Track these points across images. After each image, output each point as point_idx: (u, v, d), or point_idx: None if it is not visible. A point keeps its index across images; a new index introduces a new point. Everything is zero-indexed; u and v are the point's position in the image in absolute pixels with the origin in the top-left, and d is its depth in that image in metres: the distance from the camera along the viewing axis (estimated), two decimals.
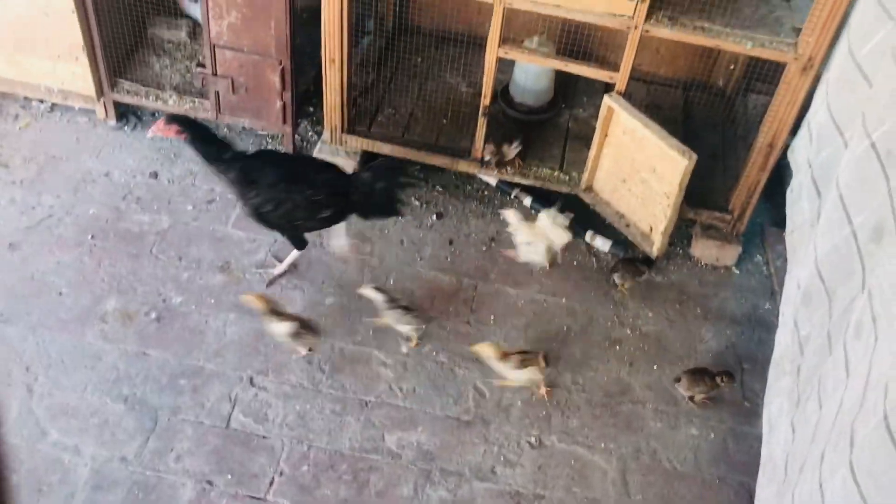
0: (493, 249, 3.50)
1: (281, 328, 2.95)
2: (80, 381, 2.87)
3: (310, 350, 3.05)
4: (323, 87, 3.44)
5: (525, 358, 2.94)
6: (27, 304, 3.07)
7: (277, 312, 2.98)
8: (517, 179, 3.56)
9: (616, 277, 3.36)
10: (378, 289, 3.10)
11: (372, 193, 3.13)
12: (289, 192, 3.01)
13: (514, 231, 3.37)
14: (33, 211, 3.41)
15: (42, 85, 3.69)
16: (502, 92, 3.74)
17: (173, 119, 2.94)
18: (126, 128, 3.81)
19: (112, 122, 3.79)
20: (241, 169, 3.00)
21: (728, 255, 3.51)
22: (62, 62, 3.59)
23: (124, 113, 3.81)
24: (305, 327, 2.97)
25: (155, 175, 3.61)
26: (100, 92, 3.67)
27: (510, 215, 3.36)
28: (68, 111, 3.82)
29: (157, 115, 3.80)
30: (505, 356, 2.92)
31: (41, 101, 3.81)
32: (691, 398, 3.05)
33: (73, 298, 3.12)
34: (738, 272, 3.54)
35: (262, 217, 3.07)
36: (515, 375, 2.95)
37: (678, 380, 3.04)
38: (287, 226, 3.15)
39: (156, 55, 3.82)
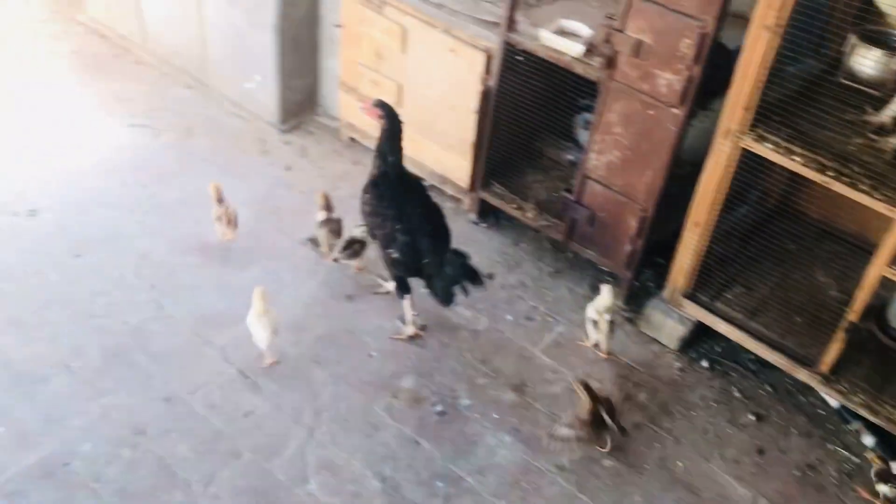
0: (807, 477, 3.04)
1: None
2: (354, 444, 2.99)
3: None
4: (679, 245, 3.30)
5: None
6: (340, 353, 3.30)
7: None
8: (864, 413, 3.07)
9: None
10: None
11: (440, 271, 3.17)
12: (384, 209, 3.23)
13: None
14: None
15: (428, 166, 4.03)
16: (878, 311, 3.28)
17: (381, 104, 3.21)
18: (483, 225, 4.00)
19: (472, 215, 4.01)
20: (383, 171, 3.24)
21: None
22: (450, 152, 3.90)
23: (486, 211, 4.00)
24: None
25: (491, 276, 3.71)
26: (472, 187, 3.91)
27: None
28: (440, 195, 4.12)
29: (513, 221, 3.94)
30: None
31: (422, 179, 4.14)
32: None
33: (380, 364, 3.28)
34: None
35: (362, 213, 3.37)
36: None
37: None
38: (371, 236, 3.40)
39: (532, 168, 3.99)
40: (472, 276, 3.15)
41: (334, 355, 3.29)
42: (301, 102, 4.46)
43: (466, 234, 3.94)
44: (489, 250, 3.87)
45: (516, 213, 3.80)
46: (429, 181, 4.09)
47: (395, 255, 3.26)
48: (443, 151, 3.93)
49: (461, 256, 3.16)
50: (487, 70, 3.55)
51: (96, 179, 3.98)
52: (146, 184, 3.99)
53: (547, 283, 3.73)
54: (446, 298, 3.22)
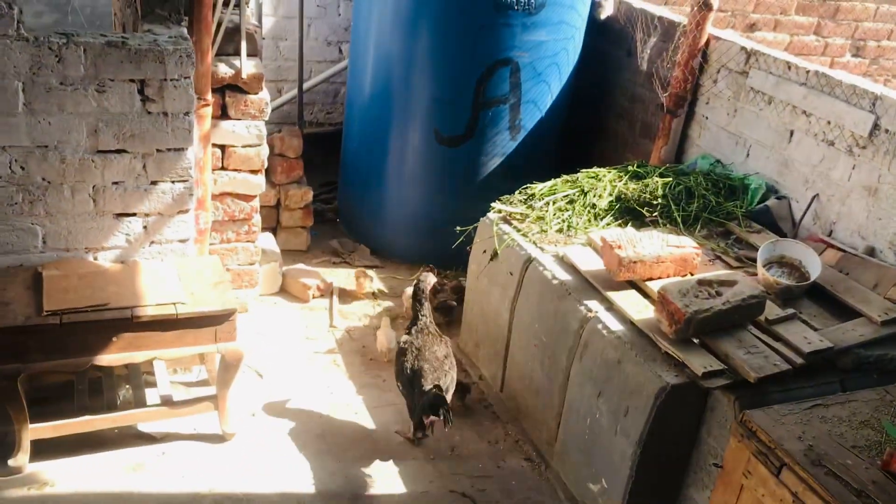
0: None
1: None
2: None
3: None
4: None
5: None
6: None
7: None
8: None
9: None
10: None
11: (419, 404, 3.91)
12: (402, 351, 4.08)
13: None
14: None
15: None
16: None
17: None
18: None
19: None
20: (414, 322, 4.21)
21: None
22: None
23: None
24: None
25: None
26: None
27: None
28: None
29: None
30: None
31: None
32: None
33: None
34: None
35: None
36: None
37: None
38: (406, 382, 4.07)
39: None
40: (436, 409, 3.78)
41: None
42: None
43: None
44: None
45: None
46: None
47: (400, 387, 4.09)
48: None
49: (440, 393, 3.83)
50: None
51: None
52: None
53: None
54: (418, 426, 3.97)
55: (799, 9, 7.14)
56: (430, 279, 4.29)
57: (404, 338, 4.16)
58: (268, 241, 5.27)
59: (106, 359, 3.58)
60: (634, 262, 3.82)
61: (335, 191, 6.47)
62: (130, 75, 3.68)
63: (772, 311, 3.67)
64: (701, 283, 3.61)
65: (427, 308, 4.23)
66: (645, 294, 3.85)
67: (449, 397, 3.94)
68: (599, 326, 3.71)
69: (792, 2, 7.09)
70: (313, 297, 5.23)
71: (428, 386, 3.86)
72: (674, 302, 3.47)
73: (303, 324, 5.02)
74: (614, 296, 3.83)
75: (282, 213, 5.65)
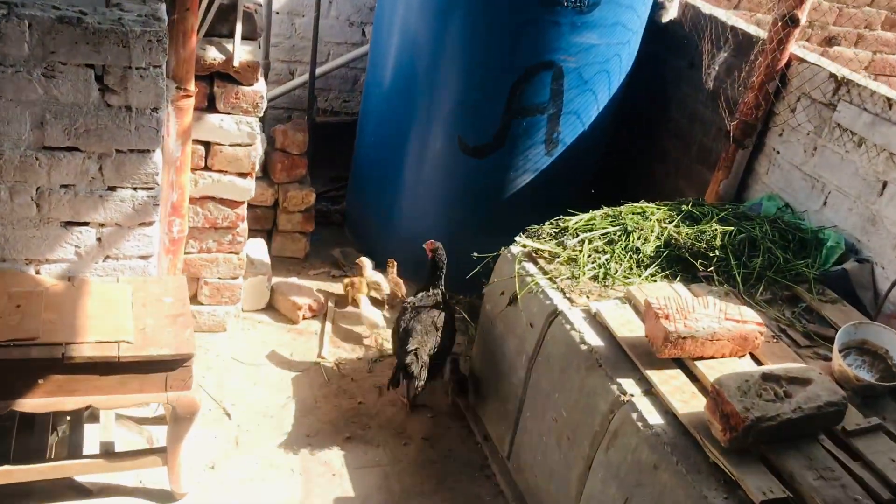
0: None
1: None
2: None
3: None
4: None
5: None
6: None
7: None
8: None
9: None
10: None
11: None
12: (411, 320, 4.01)
13: None
14: None
15: None
16: None
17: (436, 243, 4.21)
18: None
19: None
20: (424, 287, 4.19)
21: None
22: None
23: None
24: None
25: None
26: None
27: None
28: None
29: None
30: None
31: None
32: None
33: None
34: None
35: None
36: None
37: None
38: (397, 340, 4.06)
39: None
40: (408, 373, 3.88)
41: None
42: None
43: None
44: None
45: None
46: None
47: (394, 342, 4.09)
48: None
49: (413, 361, 3.85)
50: None
51: None
52: None
53: None
54: (393, 379, 3.94)
55: (886, 23, 6.30)
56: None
57: (410, 298, 4.19)
58: (258, 248, 4.61)
59: (28, 404, 2.94)
60: (684, 339, 3.11)
61: (345, 188, 5.79)
62: (87, 59, 3.01)
63: (849, 416, 2.95)
64: (766, 377, 2.88)
65: (441, 281, 4.21)
66: (693, 377, 3.15)
67: (437, 363, 4.02)
68: (634, 416, 3.01)
69: (879, 15, 6.25)
70: (304, 318, 4.57)
71: (411, 346, 3.88)
72: (731, 403, 2.75)
73: (288, 350, 4.36)
74: (655, 376, 3.12)
75: (279, 215, 4.98)
